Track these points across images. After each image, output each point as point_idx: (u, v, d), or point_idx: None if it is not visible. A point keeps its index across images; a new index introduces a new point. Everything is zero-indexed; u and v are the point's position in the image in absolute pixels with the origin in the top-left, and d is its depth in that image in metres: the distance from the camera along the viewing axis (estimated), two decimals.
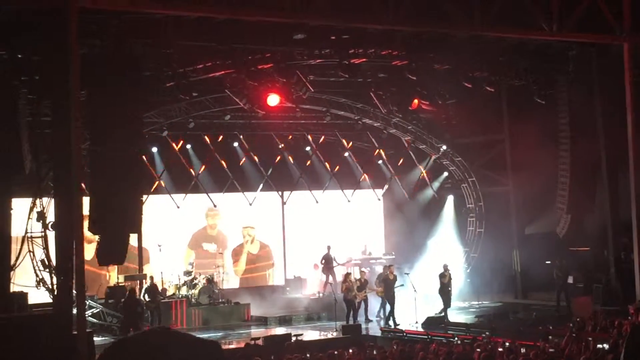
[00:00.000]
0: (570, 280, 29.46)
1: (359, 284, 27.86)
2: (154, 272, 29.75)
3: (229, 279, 32.67)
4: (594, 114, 29.63)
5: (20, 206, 23.84)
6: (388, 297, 27.80)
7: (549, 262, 30.81)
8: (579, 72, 29.52)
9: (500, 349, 17.88)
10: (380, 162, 35.58)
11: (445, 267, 28.45)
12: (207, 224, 32.91)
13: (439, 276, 28.21)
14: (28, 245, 24.19)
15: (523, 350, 18.43)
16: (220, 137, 32.13)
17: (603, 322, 21.22)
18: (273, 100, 27.33)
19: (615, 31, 26.01)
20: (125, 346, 15.27)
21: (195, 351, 14.39)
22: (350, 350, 19.54)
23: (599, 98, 29.50)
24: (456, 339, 21.72)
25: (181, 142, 31.41)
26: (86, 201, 21.16)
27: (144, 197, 25.50)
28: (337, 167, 34.73)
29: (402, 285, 28.12)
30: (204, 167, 32.03)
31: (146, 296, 27.23)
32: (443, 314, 27.66)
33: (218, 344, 15.93)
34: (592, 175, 29.72)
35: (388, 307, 27.77)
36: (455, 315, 28.38)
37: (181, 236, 32.24)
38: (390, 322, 27.25)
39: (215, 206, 32.57)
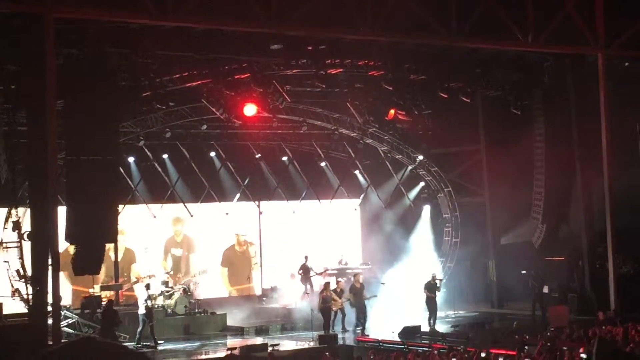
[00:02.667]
0: (545, 289, 29.59)
1: (335, 294, 27.86)
2: (141, 274, 30.36)
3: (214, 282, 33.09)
4: (569, 124, 29.88)
5: None
6: (357, 305, 27.83)
7: (524, 271, 30.94)
8: (554, 83, 29.77)
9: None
10: (356, 172, 35.62)
11: (434, 277, 28.53)
12: (173, 231, 33.13)
13: (428, 286, 28.24)
14: (3, 255, 24.06)
15: (500, 359, 18.52)
16: (197, 147, 32.06)
17: (577, 332, 21.33)
18: (250, 110, 27.38)
19: (590, 42, 26.24)
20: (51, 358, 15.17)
21: None
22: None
23: (574, 108, 29.77)
24: (432, 348, 21.74)
25: (158, 151, 31.30)
26: (62, 211, 21.08)
27: (120, 207, 25.43)
28: (314, 177, 34.76)
29: (375, 296, 28.24)
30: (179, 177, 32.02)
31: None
32: (432, 324, 27.78)
33: (145, 355, 15.73)
34: (567, 186, 29.92)
35: (355, 315, 27.87)
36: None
37: (156, 246, 32.37)
38: (359, 330, 27.31)
39: (192, 216, 32.51)
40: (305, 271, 31.60)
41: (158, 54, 24.68)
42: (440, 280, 29.14)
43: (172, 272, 31.68)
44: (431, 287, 28.31)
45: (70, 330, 26.37)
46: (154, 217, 31.70)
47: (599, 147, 27.35)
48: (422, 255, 33.80)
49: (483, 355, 18.50)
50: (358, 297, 27.84)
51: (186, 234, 33.20)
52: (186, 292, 29.38)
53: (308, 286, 31.16)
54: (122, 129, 25.84)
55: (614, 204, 26.95)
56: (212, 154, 32.67)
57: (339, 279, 30.69)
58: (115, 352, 14.94)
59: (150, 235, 31.95)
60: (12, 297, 24.09)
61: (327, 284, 28.45)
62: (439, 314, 29.49)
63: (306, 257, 31.85)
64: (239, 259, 34.13)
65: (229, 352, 22.46)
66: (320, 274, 31.82)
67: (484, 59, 28.77)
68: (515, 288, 31.84)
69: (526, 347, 19.47)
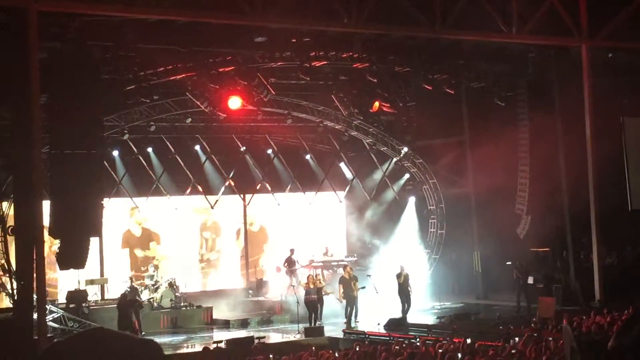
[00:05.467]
0: (530, 280, 29.67)
1: (319, 286, 27.86)
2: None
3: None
4: (553, 115, 29.93)
5: None
6: (347, 297, 27.88)
7: (509, 262, 31.01)
8: (538, 74, 29.83)
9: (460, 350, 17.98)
10: (341, 164, 35.62)
11: (402, 268, 28.60)
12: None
13: (396, 277, 28.39)
14: None
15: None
16: (182, 140, 32.00)
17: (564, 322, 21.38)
18: (234, 103, 27.31)
19: (573, 34, 26.33)
20: (61, 348, 15.18)
21: (134, 350, 14.29)
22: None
23: (558, 100, 29.82)
24: (418, 340, 21.79)
25: (142, 145, 31.22)
26: (46, 205, 21.02)
27: (105, 200, 25.36)
28: (299, 169, 34.75)
29: (363, 287, 28.26)
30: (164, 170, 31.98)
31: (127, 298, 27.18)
32: (402, 315, 27.81)
33: (156, 342, 15.82)
34: (551, 177, 30.00)
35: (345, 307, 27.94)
36: (417, 317, 28.48)
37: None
38: (352, 323, 27.35)
39: (176, 209, 32.48)
40: (290, 264, 31.62)
41: (142, 47, 24.58)
42: (407, 273, 29.09)
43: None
44: (401, 277, 28.44)
45: (55, 325, 26.33)
46: (139, 211, 31.70)
47: (583, 138, 27.43)
48: (408, 247, 33.84)
49: (468, 341, 18.56)
50: (347, 289, 27.85)
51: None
52: (172, 285, 29.36)
53: (293, 279, 31.18)
54: (106, 123, 25.74)
55: (598, 195, 27.04)
56: (197, 147, 32.63)
57: (324, 272, 30.74)
58: (127, 342, 14.92)
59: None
60: None
61: (309, 277, 28.47)
62: (425, 305, 29.56)
63: (292, 251, 31.86)
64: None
65: (214, 345, 22.46)
66: (305, 266, 31.85)
67: (468, 51, 28.78)
68: (501, 279, 31.91)
69: (516, 339, 19.52)
